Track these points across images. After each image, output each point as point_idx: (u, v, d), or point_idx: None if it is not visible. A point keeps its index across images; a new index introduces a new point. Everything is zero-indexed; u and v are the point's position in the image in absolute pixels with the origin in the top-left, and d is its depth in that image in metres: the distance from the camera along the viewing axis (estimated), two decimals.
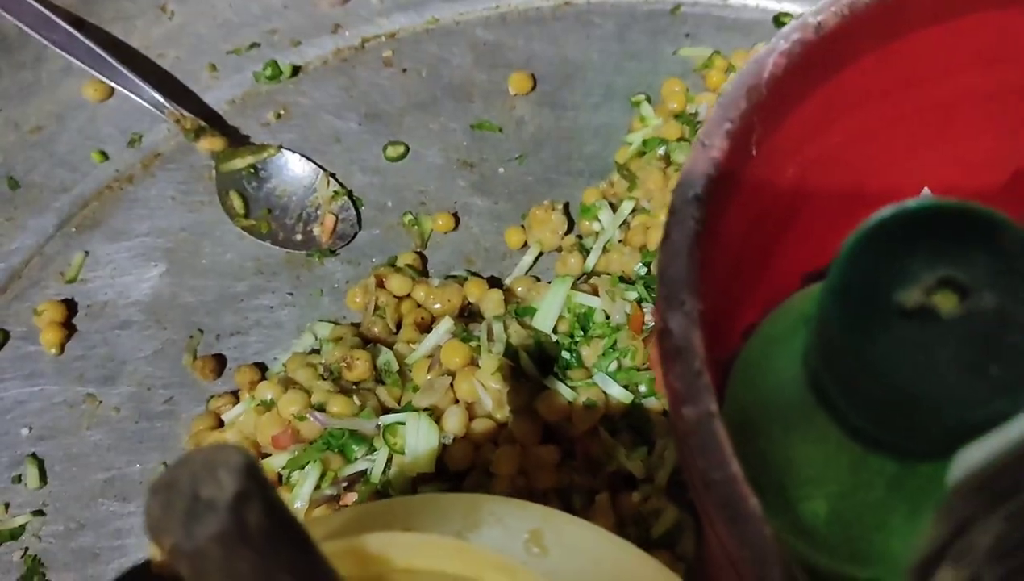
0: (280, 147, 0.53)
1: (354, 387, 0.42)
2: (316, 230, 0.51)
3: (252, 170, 0.52)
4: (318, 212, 0.51)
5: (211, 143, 0.51)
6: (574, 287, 0.43)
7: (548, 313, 0.42)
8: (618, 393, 0.40)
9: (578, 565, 0.24)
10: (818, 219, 0.34)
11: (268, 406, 0.42)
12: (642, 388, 0.41)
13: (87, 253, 0.51)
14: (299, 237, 0.51)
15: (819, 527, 0.21)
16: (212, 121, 0.54)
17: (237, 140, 0.54)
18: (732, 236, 0.29)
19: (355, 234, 0.51)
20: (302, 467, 0.39)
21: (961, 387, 0.17)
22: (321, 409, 0.40)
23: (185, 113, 0.52)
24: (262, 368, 0.47)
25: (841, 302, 0.17)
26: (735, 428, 0.22)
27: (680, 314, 0.23)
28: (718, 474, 0.21)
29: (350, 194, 0.52)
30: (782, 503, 0.21)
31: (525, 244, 0.50)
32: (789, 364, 0.21)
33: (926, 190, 0.35)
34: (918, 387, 0.17)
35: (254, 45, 0.57)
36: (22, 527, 0.44)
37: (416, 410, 0.40)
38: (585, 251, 0.48)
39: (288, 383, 0.43)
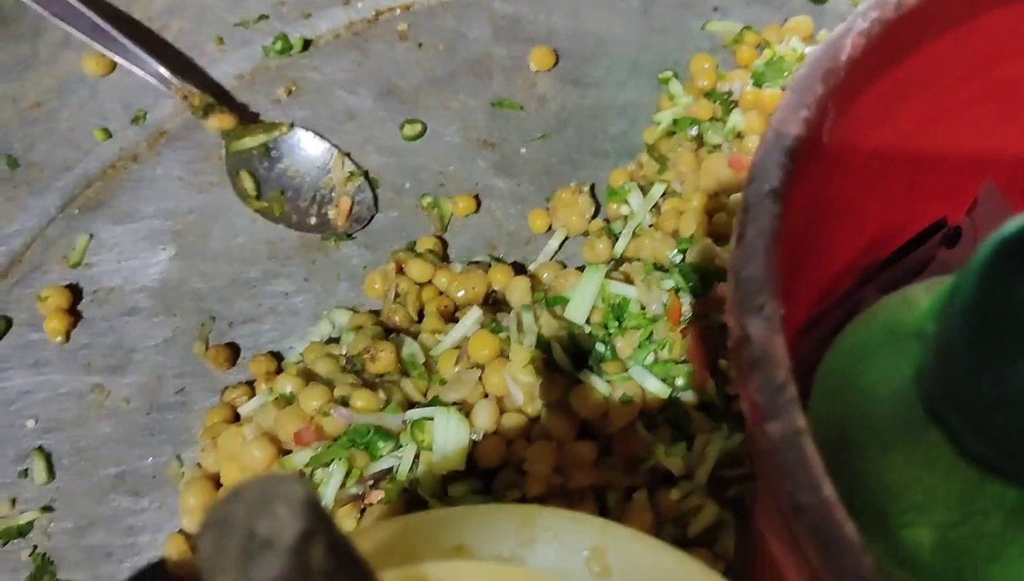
0: (292, 125, 0.50)
1: (377, 380, 0.41)
2: (331, 213, 0.49)
3: (264, 149, 0.50)
4: (333, 194, 0.49)
5: (220, 121, 0.49)
6: (605, 275, 0.41)
7: (582, 303, 0.40)
8: (655, 387, 0.38)
9: None
10: (879, 209, 0.32)
11: (288, 399, 0.40)
12: (679, 382, 0.39)
13: (91, 236, 0.48)
14: (313, 220, 0.49)
15: (923, 556, 0.19)
16: (220, 97, 0.51)
17: (247, 117, 0.51)
18: (795, 230, 0.27)
19: (372, 217, 0.49)
20: (326, 465, 0.38)
21: None
22: (344, 403, 0.39)
23: (193, 89, 0.49)
24: (277, 357, 0.45)
25: (973, 323, 0.15)
26: (823, 444, 0.20)
27: (760, 319, 0.21)
28: (809, 497, 0.19)
29: (366, 175, 0.50)
30: (880, 528, 0.19)
31: (550, 228, 0.48)
32: (887, 378, 0.19)
33: (990, 181, 0.33)
34: None
35: (262, 17, 0.54)
36: (30, 524, 0.42)
37: (444, 405, 0.38)
38: (613, 236, 0.46)
39: (308, 375, 0.41)
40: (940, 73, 0.28)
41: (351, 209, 0.49)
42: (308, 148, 0.50)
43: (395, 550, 0.24)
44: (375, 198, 0.49)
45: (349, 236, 0.48)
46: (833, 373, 0.22)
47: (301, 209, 0.49)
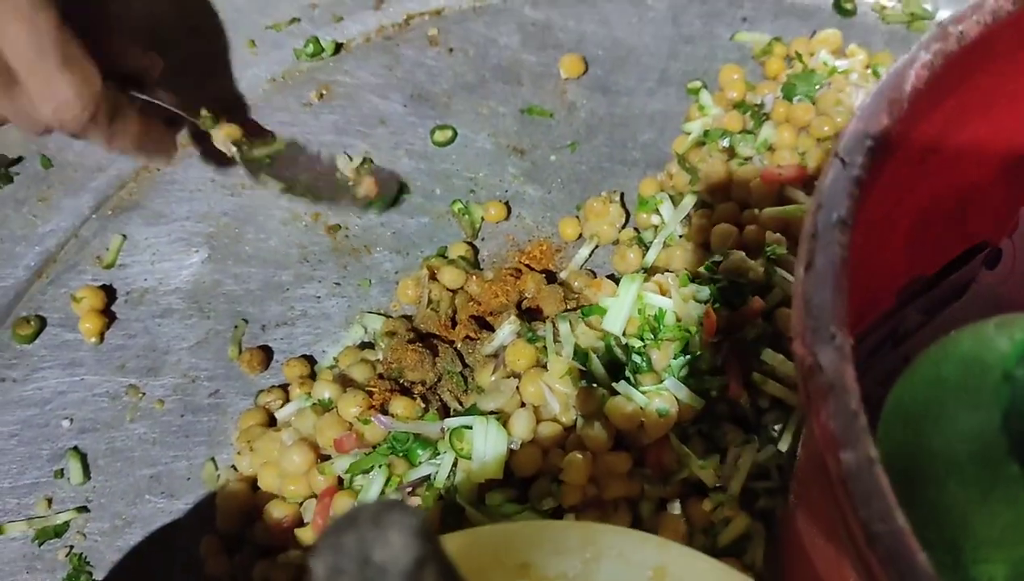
0: (292, 142, 0.51)
1: (412, 386, 0.41)
2: (360, 193, 0.49)
3: (269, 160, 0.50)
4: (352, 184, 0.50)
5: (228, 132, 0.49)
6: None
7: (618, 314, 0.40)
8: (689, 399, 0.39)
9: None
10: (924, 230, 0.33)
11: (326, 406, 0.40)
12: (713, 394, 0.40)
13: (125, 237, 0.49)
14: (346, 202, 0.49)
15: None
16: (237, 109, 0.51)
17: (253, 130, 0.51)
18: (853, 255, 0.28)
19: (401, 185, 0.49)
20: (367, 471, 0.38)
21: None
22: (383, 410, 0.39)
23: (203, 111, 0.49)
24: (311, 361, 0.45)
25: None
26: (895, 475, 0.20)
27: (831, 349, 0.22)
28: (883, 526, 0.20)
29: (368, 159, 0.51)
30: (951, 562, 0.20)
31: (580, 236, 0.48)
32: (970, 415, 0.20)
33: None
34: None
35: (294, 20, 0.54)
36: (66, 524, 0.42)
37: (482, 413, 0.39)
38: (644, 246, 0.46)
39: (344, 381, 0.41)
40: (998, 95, 0.29)
41: (377, 185, 0.49)
42: (313, 154, 0.51)
43: (462, 564, 0.24)
44: (401, 189, 0.50)
45: (395, 202, 0.49)
46: (907, 405, 0.22)
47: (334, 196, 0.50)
